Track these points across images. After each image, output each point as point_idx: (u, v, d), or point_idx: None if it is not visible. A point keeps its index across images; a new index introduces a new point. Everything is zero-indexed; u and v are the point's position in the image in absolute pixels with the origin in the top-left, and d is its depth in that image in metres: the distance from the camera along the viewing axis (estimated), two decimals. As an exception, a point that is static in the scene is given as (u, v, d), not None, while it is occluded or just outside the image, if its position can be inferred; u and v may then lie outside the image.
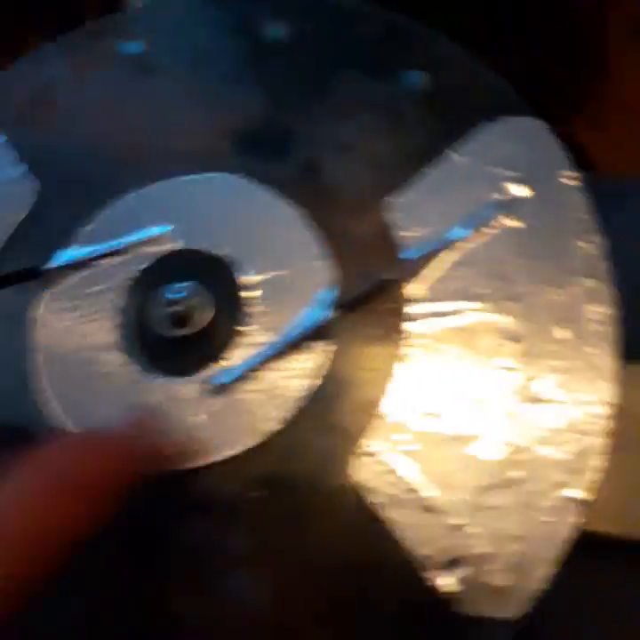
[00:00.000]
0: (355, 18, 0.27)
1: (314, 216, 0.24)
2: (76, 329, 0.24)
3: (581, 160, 0.23)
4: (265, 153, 0.25)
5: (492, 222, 0.23)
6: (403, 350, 0.22)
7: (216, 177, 0.25)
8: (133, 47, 0.27)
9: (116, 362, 0.24)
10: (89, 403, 0.23)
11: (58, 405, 0.23)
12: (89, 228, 0.25)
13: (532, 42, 0.46)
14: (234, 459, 0.22)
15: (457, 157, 0.24)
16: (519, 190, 0.23)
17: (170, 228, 0.24)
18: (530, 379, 0.21)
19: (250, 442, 0.22)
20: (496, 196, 0.23)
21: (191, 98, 0.26)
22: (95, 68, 0.27)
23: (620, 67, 0.51)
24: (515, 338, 0.22)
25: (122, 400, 0.23)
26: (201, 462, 0.22)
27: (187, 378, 0.23)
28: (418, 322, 0.22)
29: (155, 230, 0.25)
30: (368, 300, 0.22)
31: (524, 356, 0.21)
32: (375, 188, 0.24)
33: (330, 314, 0.22)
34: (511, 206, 0.23)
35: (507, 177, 0.23)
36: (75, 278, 0.25)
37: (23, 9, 0.69)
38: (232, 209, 0.24)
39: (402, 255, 0.23)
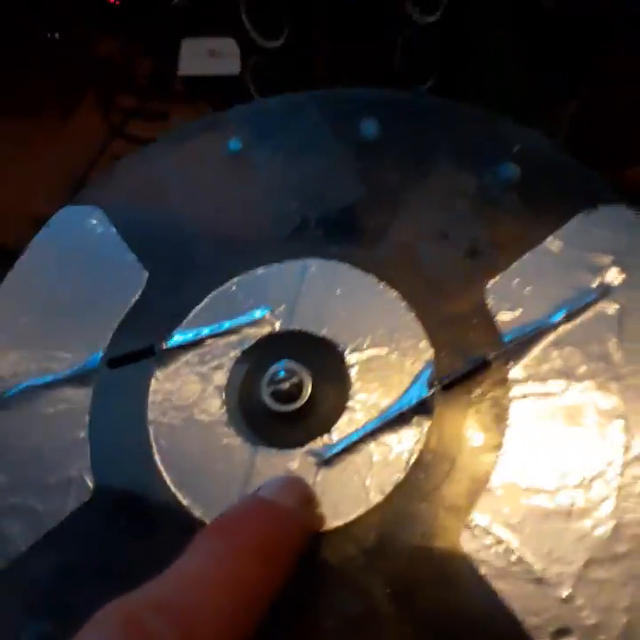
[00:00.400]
0: (443, 113, 0.29)
1: (412, 298, 0.25)
2: (186, 405, 0.25)
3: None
4: (363, 240, 0.27)
5: (591, 306, 0.24)
6: (506, 428, 0.24)
7: (314, 262, 0.27)
8: (234, 144, 0.30)
9: (224, 436, 0.25)
10: (200, 475, 0.24)
11: (171, 477, 0.24)
12: (196, 311, 0.27)
13: (594, 91, 0.48)
14: (341, 528, 0.23)
15: (554, 244, 0.25)
16: (615, 275, 0.24)
17: (270, 309, 0.26)
18: (636, 457, 0.22)
19: (356, 512, 0.23)
20: (593, 280, 0.24)
21: (289, 190, 0.29)
22: (200, 163, 0.30)
23: None
24: (618, 415, 0.23)
25: (231, 472, 0.24)
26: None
27: (293, 451, 0.24)
28: (520, 401, 0.24)
29: (257, 313, 0.26)
30: (468, 379, 0.24)
31: (628, 433, 0.22)
32: (473, 272, 0.25)
33: (430, 391, 0.24)
34: (608, 290, 0.24)
35: (603, 263, 0.25)
36: (185, 357, 0.26)
37: (75, 71, 0.74)
38: (330, 291, 0.26)
39: (502, 337, 0.24)
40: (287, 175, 0.29)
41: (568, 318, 0.24)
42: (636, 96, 0.53)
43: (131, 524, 0.24)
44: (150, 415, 0.25)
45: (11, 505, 0.25)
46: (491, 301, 0.25)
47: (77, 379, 0.27)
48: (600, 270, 0.24)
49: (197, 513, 0.24)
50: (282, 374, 0.25)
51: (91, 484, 0.25)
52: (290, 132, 0.30)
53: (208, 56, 0.65)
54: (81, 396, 0.26)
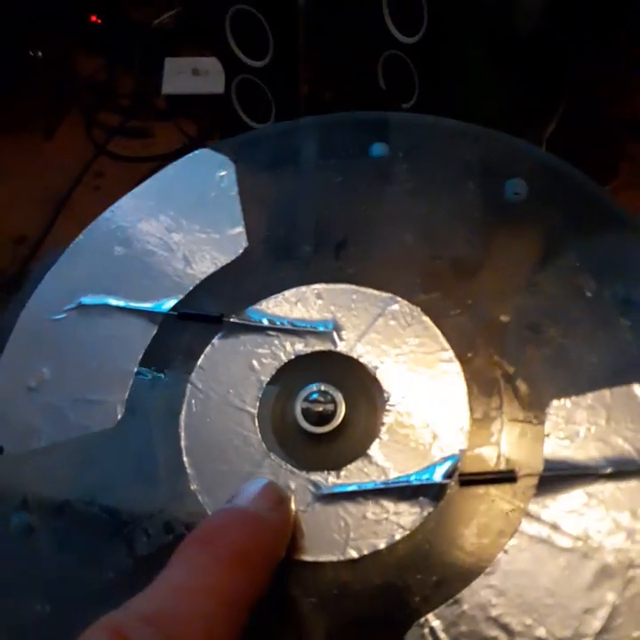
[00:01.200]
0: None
1: (472, 376, 0.25)
2: (227, 381, 0.26)
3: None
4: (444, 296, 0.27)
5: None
6: (500, 553, 0.22)
7: (400, 303, 0.27)
8: (377, 149, 0.30)
9: (247, 427, 0.25)
10: (210, 449, 0.25)
11: (186, 441, 0.25)
12: (275, 298, 0.27)
13: (569, 112, 0.49)
14: (308, 564, 0.23)
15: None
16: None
17: (332, 326, 0.26)
18: None
19: (327, 557, 0.23)
20: None
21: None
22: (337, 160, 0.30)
23: None
24: (606, 604, 0.21)
25: (238, 462, 0.25)
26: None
27: (299, 472, 0.24)
28: (526, 534, 0.22)
29: (321, 325, 0.26)
30: (489, 484, 0.23)
31: (610, 619, 0.21)
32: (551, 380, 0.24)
33: (444, 481, 0.23)
34: None
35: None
36: (246, 337, 0.27)
37: (58, 89, 0.74)
38: (400, 336, 0.26)
39: (541, 461, 0.23)
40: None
41: (613, 475, 0.22)
42: (612, 116, 0.54)
43: (135, 466, 0.25)
44: (193, 376, 0.26)
45: (49, 402, 0.27)
46: (550, 419, 0.24)
47: (149, 316, 0.28)
48: None
49: (194, 485, 0.24)
50: (320, 396, 0.25)
51: (119, 416, 0.26)
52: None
53: (191, 75, 0.65)
54: (145, 333, 0.27)
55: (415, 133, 0.30)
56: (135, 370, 0.27)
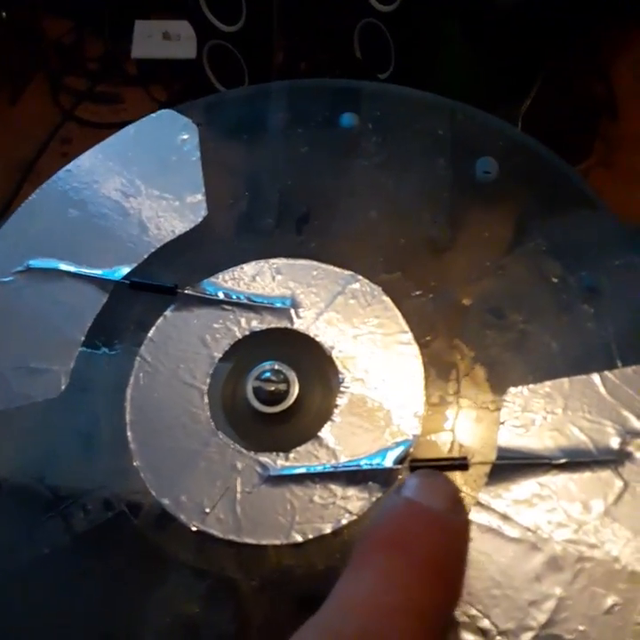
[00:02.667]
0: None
1: (430, 360, 0.24)
2: (178, 355, 0.25)
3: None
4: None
5: (595, 467, 0.21)
6: None
7: (360, 281, 0.26)
8: (347, 120, 0.29)
9: (195, 402, 0.24)
10: (157, 417, 0.24)
11: (131, 414, 0.24)
12: (232, 271, 0.26)
13: (544, 89, 0.49)
14: (250, 545, 0.22)
15: (601, 383, 0.23)
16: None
17: (290, 302, 0.25)
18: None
19: (271, 540, 0.22)
20: (616, 441, 0.22)
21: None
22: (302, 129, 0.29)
23: (626, 109, 0.55)
24: (553, 596, 0.20)
25: (184, 432, 0.24)
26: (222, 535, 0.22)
27: (246, 451, 0.23)
28: (474, 522, 0.21)
29: (279, 301, 0.25)
30: (439, 469, 0.22)
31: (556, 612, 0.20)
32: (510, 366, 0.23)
33: (394, 467, 0.22)
34: (624, 460, 0.21)
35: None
36: (199, 310, 0.26)
37: (23, 52, 0.71)
38: (360, 315, 0.25)
39: (495, 448, 0.22)
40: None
41: (567, 466, 0.22)
42: (587, 95, 0.55)
43: (77, 440, 0.24)
44: (143, 349, 0.25)
45: None
46: (505, 406, 0.23)
47: (100, 283, 0.26)
48: (629, 434, 0.22)
49: (137, 460, 0.24)
50: (272, 375, 0.24)
51: (62, 387, 0.25)
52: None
53: (162, 39, 0.63)
54: (95, 301, 0.26)
55: (387, 105, 0.29)
56: (82, 339, 0.26)
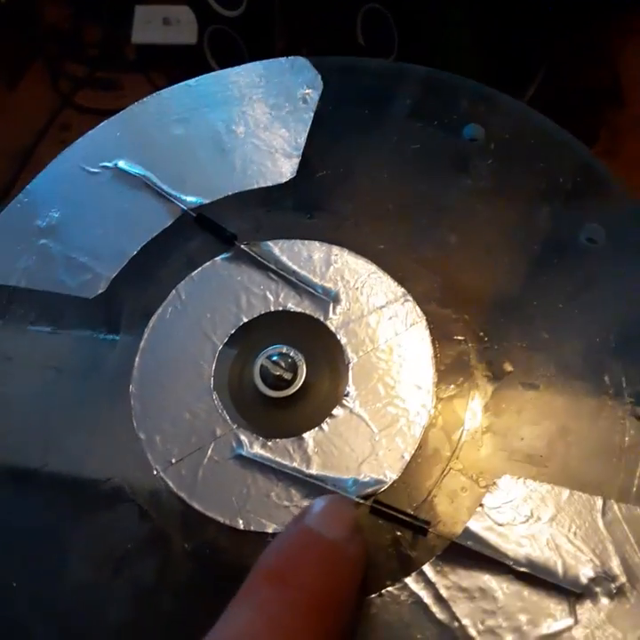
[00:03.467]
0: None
1: (444, 410, 0.23)
2: (208, 305, 0.25)
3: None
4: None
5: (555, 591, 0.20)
6: (390, 587, 0.21)
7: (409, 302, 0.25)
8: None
9: (204, 364, 0.24)
10: (160, 381, 0.24)
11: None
12: (295, 242, 0.26)
13: (550, 76, 0.48)
14: (202, 516, 0.22)
15: (599, 508, 0.21)
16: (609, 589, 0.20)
17: (333, 296, 0.25)
18: None
19: (219, 517, 0.22)
20: (589, 577, 0.20)
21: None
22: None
23: (632, 97, 0.55)
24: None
25: (180, 399, 0.24)
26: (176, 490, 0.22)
27: (234, 426, 0.23)
28: (405, 591, 0.20)
29: (322, 289, 0.25)
30: (398, 524, 0.21)
31: None
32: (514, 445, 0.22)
33: (355, 501, 0.21)
34: (591, 598, 0.20)
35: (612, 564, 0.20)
36: (248, 269, 0.25)
37: (22, 38, 0.69)
38: (395, 337, 0.24)
39: (460, 533, 0.21)
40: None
41: (524, 577, 0.20)
42: (593, 83, 0.54)
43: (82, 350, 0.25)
44: (181, 284, 0.25)
45: (48, 247, 0.27)
46: (493, 491, 0.21)
47: (172, 205, 0.27)
48: (604, 576, 0.20)
49: (133, 387, 0.24)
50: (281, 360, 0.24)
51: (99, 290, 0.26)
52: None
53: (162, 24, 0.61)
54: (160, 221, 0.27)
55: (519, 127, 0.27)
56: (134, 253, 0.26)
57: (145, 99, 0.29)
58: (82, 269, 0.26)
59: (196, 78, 0.30)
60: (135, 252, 0.26)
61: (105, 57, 0.69)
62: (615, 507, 0.21)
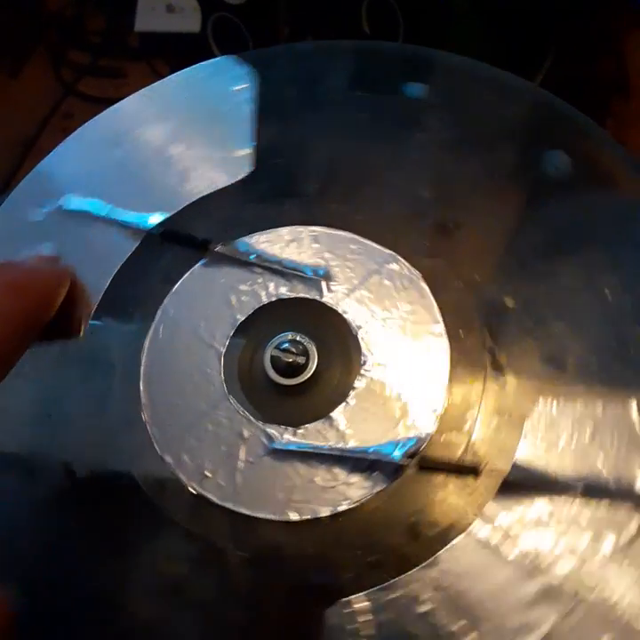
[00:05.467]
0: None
1: (459, 358, 0.23)
2: (200, 313, 0.24)
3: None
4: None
5: (613, 501, 0.20)
6: (445, 548, 0.20)
7: (404, 263, 0.24)
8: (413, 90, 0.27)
9: (209, 363, 0.24)
10: (169, 378, 0.24)
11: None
12: (269, 233, 0.25)
13: (556, 66, 0.48)
14: (243, 517, 0.21)
15: (635, 410, 0.21)
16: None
17: (323, 273, 0.24)
18: None
19: (265, 514, 0.21)
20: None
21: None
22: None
23: (638, 88, 0.55)
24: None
25: (196, 394, 0.23)
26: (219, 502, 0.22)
27: (255, 421, 0.23)
28: (477, 534, 0.20)
29: (311, 270, 0.24)
30: (448, 473, 0.21)
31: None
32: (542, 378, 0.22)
33: (401, 461, 0.21)
34: None
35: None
36: (228, 269, 0.25)
37: (25, 25, 0.68)
38: (394, 297, 0.24)
39: (511, 463, 0.21)
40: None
41: (580, 496, 0.20)
42: (599, 71, 0.54)
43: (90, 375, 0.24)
44: (166, 301, 0.25)
45: None
46: (531, 421, 0.21)
47: (130, 230, 0.26)
48: None
49: (145, 414, 0.23)
50: (292, 346, 0.23)
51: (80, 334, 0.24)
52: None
53: (166, 11, 0.61)
54: (123, 248, 0.26)
55: (460, 79, 0.27)
56: (106, 286, 0.25)
57: (71, 135, 0.28)
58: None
59: (121, 102, 0.29)
60: (106, 287, 0.25)
61: (108, 45, 0.68)
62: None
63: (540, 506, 0.20)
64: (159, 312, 0.24)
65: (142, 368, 0.24)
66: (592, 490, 0.20)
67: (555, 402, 0.22)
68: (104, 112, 0.28)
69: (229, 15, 0.52)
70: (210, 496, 0.22)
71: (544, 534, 0.20)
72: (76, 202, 0.26)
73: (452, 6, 0.46)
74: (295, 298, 0.24)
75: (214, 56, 0.29)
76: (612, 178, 0.25)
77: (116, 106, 0.28)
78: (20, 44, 0.68)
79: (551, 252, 0.24)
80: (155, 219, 0.26)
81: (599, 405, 0.21)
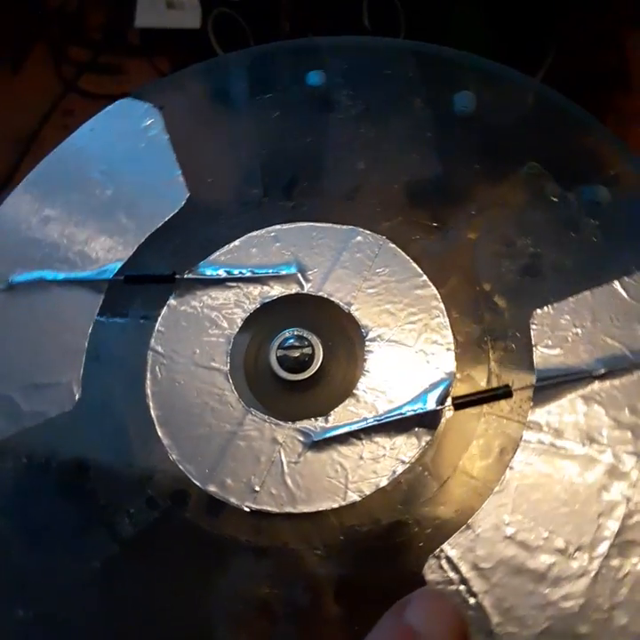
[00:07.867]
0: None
1: (451, 300, 0.23)
2: (192, 343, 0.24)
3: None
4: (419, 229, 0.25)
5: (636, 369, 0.22)
6: (508, 469, 0.21)
7: (362, 233, 0.25)
8: (314, 78, 0.28)
9: (220, 388, 0.23)
10: (185, 417, 0.23)
11: (157, 411, 0.23)
12: (228, 248, 0.25)
13: (557, 60, 0.49)
14: (310, 515, 0.21)
15: (623, 290, 0.23)
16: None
17: (299, 268, 0.25)
18: (625, 543, 0.20)
19: (329, 504, 0.21)
20: None
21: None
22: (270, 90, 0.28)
23: (638, 82, 0.55)
24: (623, 497, 0.21)
25: (217, 424, 0.23)
26: (278, 510, 0.21)
27: (284, 423, 0.22)
28: (530, 446, 0.22)
29: (284, 267, 0.25)
30: (485, 402, 0.22)
31: (627, 518, 0.20)
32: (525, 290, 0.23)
33: (439, 407, 0.22)
34: None
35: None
36: (203, 293, 0.25)
37: (25, 22, 0.67)
38: (370, 268, 0.25)
39: (534, 371, 0.22)
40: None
41: (607, 375, 0.22)
42: (601, 66, 0.55)
43: (105, 446, 0.23)
44: (152, 342, 0.24)
45: None
46: (535, 329, 0.23)
47: (90, 284, 0.25)
48: None
49: (173, 454, 0.23)
50: (294, 341, 0.23)
51: (76, 396, 0.24)
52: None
53: (166, 7, 0.60)
54: (90, 303, 0.25)
55: (351, 56, 0.28)
56: (86, 345, 0.25)
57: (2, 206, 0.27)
58: (44, 390, 0.24)
59: (37, 166, 0.28)
60: (85, 348, 0.24)
61: (108, 41, 0.66)
62: (630, 280, 0.23)
63: (574, 399, 0.21)
64: (149, 354, 0.24)
65: (153, 414, 0.23)
66: (613, 366, 0.22)
67: (549, 307, 0.23)
68: (25, 180, 0.27)
69: (230, 11, 0.52)
70: (267, 508, 0.21)
71: (589, 421, 0.21)
72: (25, 274, 0.26)
73: (453, 1, 0.47)
74: (278, 297, 0.24)
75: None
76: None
77: (28, 176, 0.28)
78: (20, 41, 0.67)
79: (490, 178, 0.25)
80: (112, 268, 0.25)
81: (588, 295, 0.23)
